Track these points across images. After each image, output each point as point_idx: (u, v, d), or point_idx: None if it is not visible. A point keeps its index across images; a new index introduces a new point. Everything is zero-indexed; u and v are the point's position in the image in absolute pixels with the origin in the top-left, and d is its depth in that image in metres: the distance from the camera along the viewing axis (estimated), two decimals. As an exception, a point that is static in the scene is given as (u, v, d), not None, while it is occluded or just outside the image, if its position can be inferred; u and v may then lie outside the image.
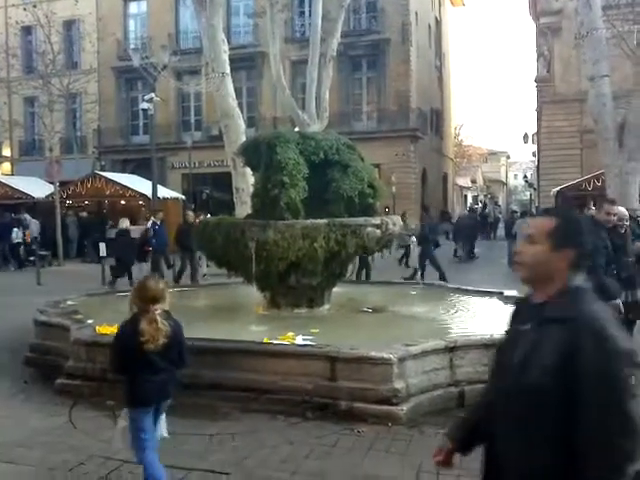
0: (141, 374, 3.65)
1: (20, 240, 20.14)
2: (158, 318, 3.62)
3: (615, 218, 5.91)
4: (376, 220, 7.51)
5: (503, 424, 1.94)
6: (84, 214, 23.95)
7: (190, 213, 15.88)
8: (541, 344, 1.83)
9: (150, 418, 3.74)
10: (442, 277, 13.53)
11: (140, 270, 13.54)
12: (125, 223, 13.94)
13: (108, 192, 23.88)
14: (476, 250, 21.71)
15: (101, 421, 5.18)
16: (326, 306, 7.94)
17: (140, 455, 3.73)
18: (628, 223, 6.04)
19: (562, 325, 1.81)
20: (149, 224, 14.89)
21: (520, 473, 1.87)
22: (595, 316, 1.82)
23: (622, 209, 6.11)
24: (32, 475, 4.19)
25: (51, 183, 22.71)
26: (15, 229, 20.26)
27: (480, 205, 48.06)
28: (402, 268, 15.87)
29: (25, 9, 23.51)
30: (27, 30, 30.77)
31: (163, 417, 3.89)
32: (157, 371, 3.67)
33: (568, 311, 1.83)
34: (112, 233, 23.04)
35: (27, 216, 21.57)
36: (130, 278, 13.51)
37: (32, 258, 18.45)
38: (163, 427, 3.89)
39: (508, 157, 76.91)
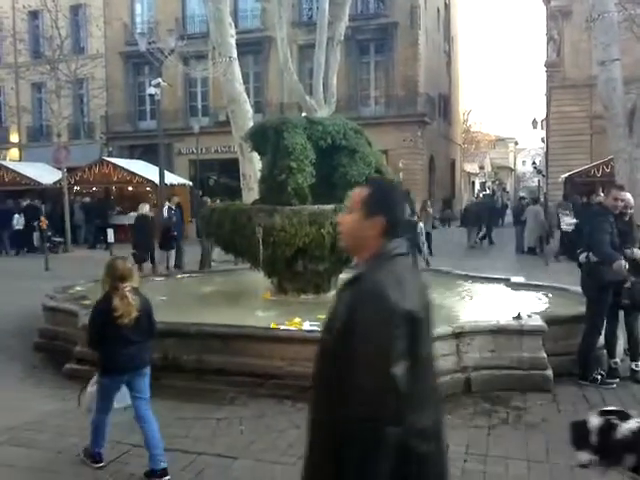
0: (115, 347, 3.97)
1: (21, 227, 20.28)
2: (128, 294, 3.97)
3: (622, 204, 5.88)
4: (383, 206, 7.49)
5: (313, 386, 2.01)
6: (86, 199, 23.96)
7: (208, 199, 16.01)
8: (336, 306, 1.90)
9: (119, 385, 4.07)
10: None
11: (168, 258, 13.36)
12: (145, 208, 13.78)
13: (115, 178, 23.96)
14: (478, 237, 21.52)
15: (110, 405, 5.23)
16: (333, 292, 7.95)
17: (95, 416, 4.13)
18: (632, 211, 6.03)
19: (351, 287, 1.86)
20: (164, 209, 14.78)
21: (321, 436, 1.89)
22: (377, 278, 1.82)
23: (629, 196, 6.08)
24: (42, 458, 4.24)
25: (59, 169, 22.79)
26: (16, 215, 20.38)
27: (489, 191, 47.84)
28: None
29: (32, -7, 23.46)
30: (34, 15, 30.68)
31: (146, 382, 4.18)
32: (129, 344, 3.99)
33: (360, 274, 1.88)
34: (119, 219, 23.20)
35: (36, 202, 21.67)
36: (152, 263, 13.37)
37: (49, 244, 18.58)
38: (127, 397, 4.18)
39: (516, 143, 76.41)
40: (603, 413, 2.13)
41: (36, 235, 20.13)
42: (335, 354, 1.82)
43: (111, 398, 4.08)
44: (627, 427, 2.03)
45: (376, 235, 1.92)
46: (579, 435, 2.09)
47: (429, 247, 17.48)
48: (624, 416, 2.10)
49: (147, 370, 4.13)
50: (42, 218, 19.78)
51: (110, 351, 3.98)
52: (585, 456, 2.07)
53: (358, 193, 1.99)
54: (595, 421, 2.09)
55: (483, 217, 21.41)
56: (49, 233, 19.17)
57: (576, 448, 2.07)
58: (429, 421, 1.83)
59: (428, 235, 17.44)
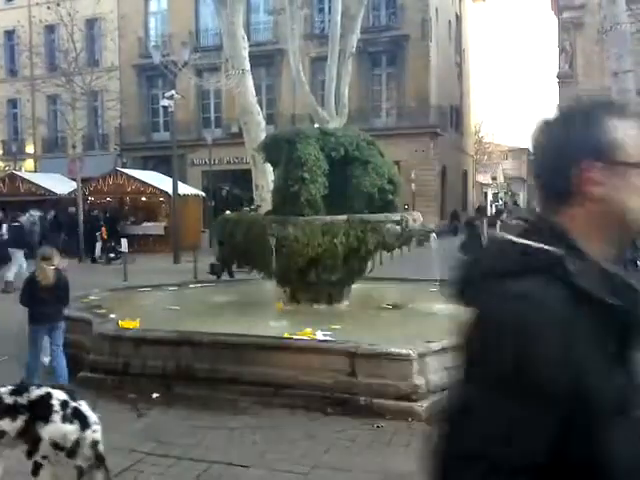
0: (37, 306, 5.77)
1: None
2: (45, 267, 5.77)
3: None
4: (396, 216, 7.50)
5: None
6: (95, 212, 23.77)
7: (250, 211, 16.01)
8: None
9: (42, 333, 5.86)
10: None
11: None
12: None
13: (129, 189, 24.13)
14: None
15: (123, 414, 5.26)
16: (345, 302, 7.95)
17: (30, 352, 5.87)
18: None
19: None
20: None
21: None
22: None
23: None
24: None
25: (73, 180, 23.01)
26: (4, 225, 20.50)
27: (500, 202, 47.67)
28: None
29: (49, 7, 23.80)
30: (50, 29, 31.13)
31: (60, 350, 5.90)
32: (47, 305, 5.76)
33: None
34: (133, 229, 23.32)
35: (33, 212, 21.47)
36: (231, 275, 13.39)
37: (112, 255, 18.62)
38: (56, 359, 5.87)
39: (529, 154, 76.13)
40: None
41: (99, 245, 20.19)
42: None
43: (37, 344, 5.84)
44: None
45: None
46: None
47: None
48: None
49: (61, 324, 5.94)
50: (102, 229, 19.79)
51: (34, 308, 5.77)
52: None
53: None
54: None
55: None
56: (112, 243, 19.23)
57: None
58: None
59: None
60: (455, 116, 36.87)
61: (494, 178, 56.57)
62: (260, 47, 27.41)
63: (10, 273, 13.16)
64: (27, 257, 14.19)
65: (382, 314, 7.69)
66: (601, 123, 1.06)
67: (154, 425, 4.97)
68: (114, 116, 31.43)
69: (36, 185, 25.31)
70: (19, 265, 13.27)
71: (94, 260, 19.85)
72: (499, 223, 13.98)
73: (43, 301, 5.73)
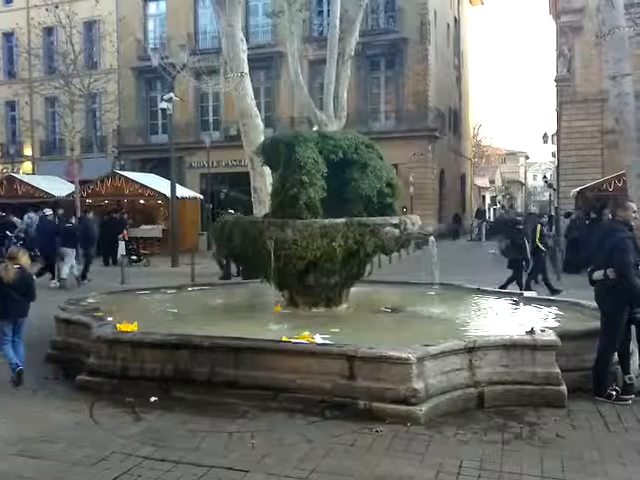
0: (4, 301, 6.33)
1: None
2: (9, 266, 6.34)
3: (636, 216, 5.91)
4: (394, 219, 7.48)
5: None
6: (90, 214, 23.44)
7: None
8: None
9: (10, 327, 6.41)
10: None
11: None
12: None
13: (127, 191, 24.12)
14: None
15: (121, 417, 5.24)
16: (344, 305, 7.94)
17: (1, 348, 6.42)
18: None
19: None
20: None
21: None
22: None
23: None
24: (55, 470, 4.24)
25: (71, 182, 22.96)
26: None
27: (499, 206, 47.72)
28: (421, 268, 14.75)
29: (47, 10, 23.81)
30: (49, 31, 31.16)
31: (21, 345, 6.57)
32: (13, 301, 6.34)
33: None
34: (131, 232, 23.17)
35: (31, 214, 21.10)
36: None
37: (134, 257, 18.62)
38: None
39: (527, 157, 76.29)
40: None
41: (122, 246, 20.13)
42: None
43: (7, 337, 6.39)
44: None
45: None
46: None
47: (543, 276, 13.05)
48: None
49: (25, 319, 6.54)
50: (125, 231, 19.83)
51: (3, 304, 6.34)
52: None
53: None
54: None
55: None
56: (134, 246, 19.29)
57: None
58: None
59: (539, 258, 12.94)
60: (453, 119, 36.94)
61: (492, 181, 56.65)
62: (259, 50, 27.47)
63: (63, 271, 13.99)
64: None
65: (381, 317, 7.67)
66: None
67: (152, 429, 4.94)
68: (112, 118, 31.44)
69: (34, 187, 25.29)
70: (70, 265, 14.15)
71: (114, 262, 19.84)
72: (539, 227, 13.55)
73: (8, 297, 6.29)
